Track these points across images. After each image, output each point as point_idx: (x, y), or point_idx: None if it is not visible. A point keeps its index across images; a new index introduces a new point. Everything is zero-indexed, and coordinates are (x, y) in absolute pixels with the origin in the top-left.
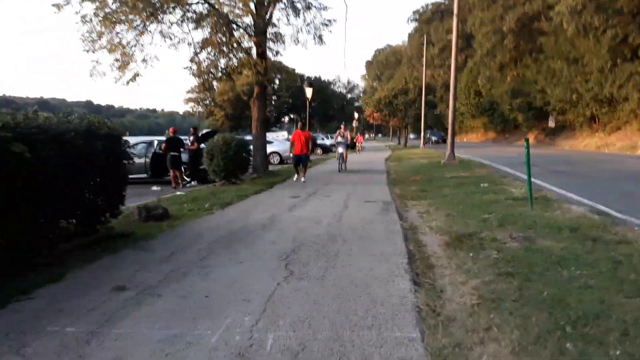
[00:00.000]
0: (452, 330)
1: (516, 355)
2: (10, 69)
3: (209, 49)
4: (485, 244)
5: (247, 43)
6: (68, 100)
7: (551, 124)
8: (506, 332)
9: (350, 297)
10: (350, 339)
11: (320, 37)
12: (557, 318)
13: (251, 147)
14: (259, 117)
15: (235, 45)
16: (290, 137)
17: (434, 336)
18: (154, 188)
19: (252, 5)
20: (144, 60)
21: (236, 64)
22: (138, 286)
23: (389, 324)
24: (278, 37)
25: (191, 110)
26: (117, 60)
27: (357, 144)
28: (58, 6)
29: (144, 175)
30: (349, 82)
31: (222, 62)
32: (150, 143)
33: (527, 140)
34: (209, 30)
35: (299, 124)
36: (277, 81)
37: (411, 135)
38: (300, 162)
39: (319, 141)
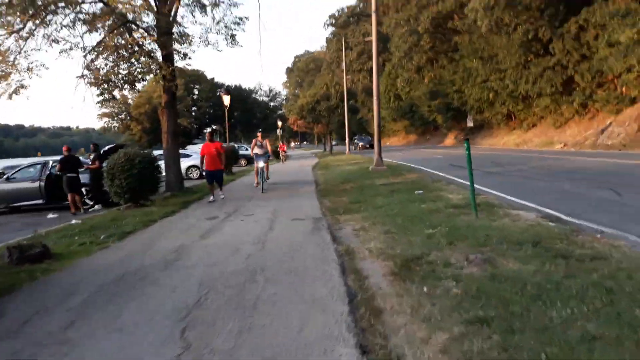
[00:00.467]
0: None
1: None
2: None
3: (106, 54)
4: (439, 271)
5: (150, 45)
6: None
7: (470, 123)
8: None
9: None
10: None
11: (232, 37)
12: None
13: (162, 162)
14: (169, 128)
15: (135, 47)
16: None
17: None
18: (51, 215)
19: (152, 1)
20: (29, 69)
21: (139, 70)
22: None
23: None
24: (185, 38)
25: (106, 126)
26: None
27: (280, 153)
28: None
29: (40, 202)
30: (270, 90)
31: (123, 68)
32: (45, 164)
33: (467, 142)
34: (104, 31)
35: (207, 134)
36: (196, 91)
37: (334, 142)
38: (215, 179)
39: (242, 152)
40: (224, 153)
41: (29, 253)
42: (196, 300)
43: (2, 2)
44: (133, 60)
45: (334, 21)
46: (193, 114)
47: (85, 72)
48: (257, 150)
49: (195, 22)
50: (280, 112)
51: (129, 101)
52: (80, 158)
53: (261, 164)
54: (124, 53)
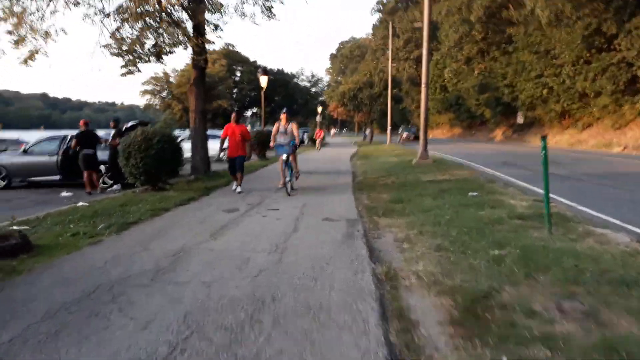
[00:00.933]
0: None
1: None
2: None
3: (130, 21)
4: (521, 326)
5: (179, 13)
6: (22, 93)
7: (520, 120)
8: None
9: None
10: None
11: (269, 9)
12: None
13: (185, 143)
14: (198, 107)
15: (163, 15)
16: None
17: None
18: (64, 194)
19: None
20: (46, 34)
21: (166, 41)
22: None
23: None
24: (216, 6)
25: (147, 103)
26: (9, 32)
27: (317, 140)
28: None
29: (56, 178)
30: (312, 76)
31: (149, 38)
32: (64, 138)
33: (544, 139)
34: None
35: (233, 114)
36: (238, 73)
37: (366, 131)
38: (235, 167)
39: None
40: (249, 140)
41: (3, 244)
42: (169, 351)
43: None
44: (161, 30)
45: (381, 7)
46: (234, 95)
47: (111, 41)
48: (279, 139)
49: None
50: (321, 98)
51: (171, 79)
52: (101, 133)
53: (284, 155)
54: (151, 21)
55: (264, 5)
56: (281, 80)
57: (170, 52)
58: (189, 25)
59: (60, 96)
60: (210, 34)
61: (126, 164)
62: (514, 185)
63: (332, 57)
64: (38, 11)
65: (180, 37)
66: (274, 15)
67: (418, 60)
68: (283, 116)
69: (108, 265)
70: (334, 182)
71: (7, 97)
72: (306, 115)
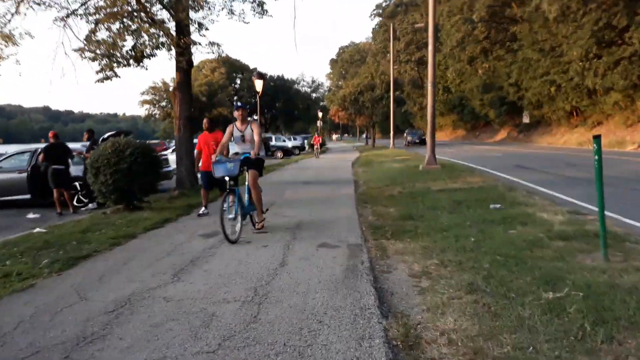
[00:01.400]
0: None
1: None
2: None
3: (107, 23)
4: None
5: (160, 13)
6: (25, 107)
7: (525, 119)
8: None
9: None
10: None
11: (260, 5)
12: None
13: (168, 155)
14: (182, 113)
15: (142, 15)
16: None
17: None
18: (30, 216)
19: None
20: (7, 37)
21: (147, 43)
22: None
23: None
24: (199, 2)
25: (148, 113)
26: None
27: (315, 146)
28: None
29: (26, 197)
30: (313, 81)
31: (129, 41)
32: (34, 152)
33: (597, 140)
34: None
35: (205, 121)
36: (238, 80)
37: (365, 135)
38: (212, 184)
39: (279, 143)
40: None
41: None
42: None
43: None
44: (140, 30)
45: (380, 11)
46: (234, 103)
47: (81, 44)
48: (236, 148)
49: None
50: (322, 103)
51: (170, 88)
52: (73, 146)
53: (223, 171)
54: (129, 22)
55: (254, 2)
56: (281, 87)
57: (152, 55)
58: (171, 25)
59: (62, 108)
60: (195, 34)
61: (95, 180)
62: (538, 194)
63: (333, 62)
64: None
65: (162, 39)
66: (266, 11)
67: (419, 63)
68: (237, 113)
69: (18, 331)
70: (334, 193)
71: (9, 111)
72: (308, 121)
